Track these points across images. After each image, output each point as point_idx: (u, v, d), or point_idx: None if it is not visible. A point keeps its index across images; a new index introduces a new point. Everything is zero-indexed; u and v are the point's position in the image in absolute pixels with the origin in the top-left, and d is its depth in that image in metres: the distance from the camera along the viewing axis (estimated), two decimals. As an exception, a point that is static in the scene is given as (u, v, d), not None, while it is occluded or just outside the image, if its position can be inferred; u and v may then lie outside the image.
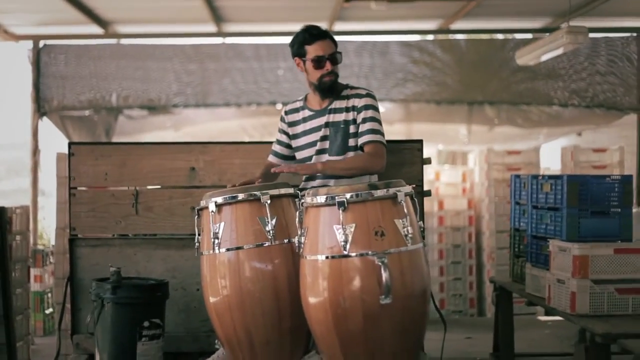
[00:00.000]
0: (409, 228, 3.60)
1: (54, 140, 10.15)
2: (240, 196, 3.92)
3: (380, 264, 3.49)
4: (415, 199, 3.77)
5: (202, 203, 4.00)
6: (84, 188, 4.90)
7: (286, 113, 4.68)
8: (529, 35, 9.98)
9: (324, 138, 4.46)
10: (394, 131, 10.54)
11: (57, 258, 7.35)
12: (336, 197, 3.54)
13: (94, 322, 4.23)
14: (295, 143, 4.57)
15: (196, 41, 10.14)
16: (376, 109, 4.45)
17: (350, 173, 4.28)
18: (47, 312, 8.60)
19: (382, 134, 4.43)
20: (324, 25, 8.36)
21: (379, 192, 3.60)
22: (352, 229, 3.54)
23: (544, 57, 8.77)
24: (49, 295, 8.66)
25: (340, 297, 3.53)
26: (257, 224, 3.89)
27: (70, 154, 4.88)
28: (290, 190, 4.06)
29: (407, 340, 3.62)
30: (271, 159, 4.64)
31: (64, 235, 7.28)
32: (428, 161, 5.10)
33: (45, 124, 9.88)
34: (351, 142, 4.42)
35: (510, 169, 10.10)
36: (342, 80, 4.66)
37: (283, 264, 3.88)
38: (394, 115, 10.43)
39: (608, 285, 5.19)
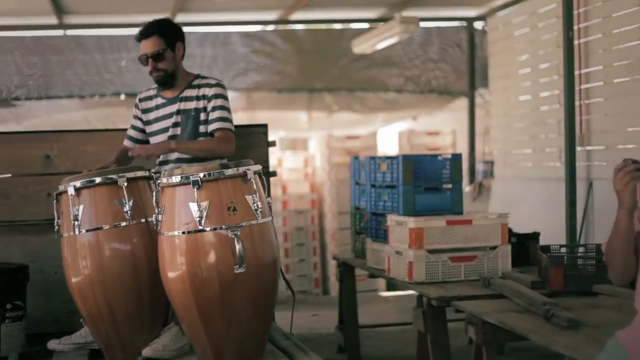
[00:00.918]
0: (259, 203, 3.93)
1: None
2: (98, 179, 4.17)
3: (233, 236, 3.81)
4: (263, 177, 4.11)
5: (61, 187, 4.22)
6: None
7: (140, 100, 4.92)
8: (366, 25, 10.42)
9: (175, 125, 4.72)
10: (237, 119, 10.52)
11: None
12: (190, 177, 3.84)
13: (-44, 308, 4.38)
14: (148, 129, 4.82)
15: (37, 33, 10.07)
16: (225, 97, 4.75)
17: (202, 154, 4.56)
18: None
19: (231, 121, 4.74)
20: (167, 16, 8.57)
21: (230, 171, 3.91)
22: (207, 206, 3.84)
23: (379, 46, 9.26)
24: None
25: (198, 268, 3.83)
26: (115, 206, 4.15)
27: None
28: (145, 173, 4.33)
29: (260, 307, 3.95)
30: (126, 143, 4.88)
31: None
32: (273, 144, 5.46)
33: None
34: (202, 128, 4.70)
35: (350, 153, 10.39)
36: (187, 68, 4.94)
37: (141, 242, 4.17)
38: (237, 103, 10.64)
39: (442, 254, 5.60)
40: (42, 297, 4.88)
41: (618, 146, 7.05)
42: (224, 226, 3.84)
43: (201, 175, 3.85)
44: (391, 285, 10.80)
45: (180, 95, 4.74)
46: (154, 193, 4.06)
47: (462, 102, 10.60)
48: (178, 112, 4.72)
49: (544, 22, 8.24)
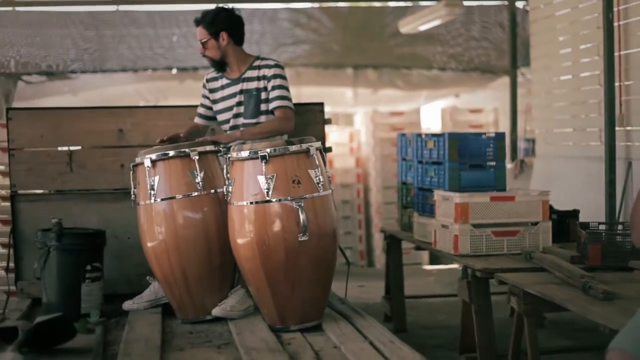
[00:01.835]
0: (320, 177, 4.32)
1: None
2: (172, 153, 4.55)
3: (297, 207, 4.19)
4: (324, 153, 4.50)
5: (138, 159, 4.60)
6: (22, 149, 5.45)
7: (207, 80, 5.31)
8: (409, 3, 10.72)
9: (239, 103, 5.11)
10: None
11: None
12: (259, 152, 4.22)
13: (41, 268, 4.78)
14: (215, 107, 5.22)
15: (92, 9, 10.45)
16: (284, 77, 5.14)
17: (266, 136, 4.95)
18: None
19: (290, 100, 5.13)
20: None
21: (295, 147, 4.29)
22: (273, 178, 4.22)
23: (424, 27, 9.58)
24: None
25: (265, 236, 4.21)
26: (188, 177, 4.53)
27: (8, 119, 5.41)
28: (215, 148, 4.73)
29: (321, 272, 4.34)
30: (197, 120, 5.28)
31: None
32: (329, 121, 5.82)
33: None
34: (262, 107, 5.08)
35: (394, 129, 10.81)
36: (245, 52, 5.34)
37: (211, 211, 4.54)
38: (284, 79, 11.06)
39: (486, 228, 5.94)
40: (115, 261, 5.27)
41: (657, 127, 7.33)
42: (289, 197, 4.21)
43: (268, 150, 4.23)
44: (434, 259, 11.16)
45: (243, 76, 5.13)
46: (224, 166, 4.45)
47: (504, 81, 10.83)
48: (241, 91, 5.11)
49: (584, 3, 8.45)
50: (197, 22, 5.20)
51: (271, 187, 4.21)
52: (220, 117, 5.19)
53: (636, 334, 3.74)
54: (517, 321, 5.28)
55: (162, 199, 4.52)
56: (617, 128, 7.34)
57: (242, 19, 5.31)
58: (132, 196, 4.68)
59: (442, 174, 6.45)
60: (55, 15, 10.29)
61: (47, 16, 10.27)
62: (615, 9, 7.38)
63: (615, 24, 7.40)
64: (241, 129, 5.04)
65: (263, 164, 4.21)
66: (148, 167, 4.52)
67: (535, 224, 6.00)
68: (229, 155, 4.38)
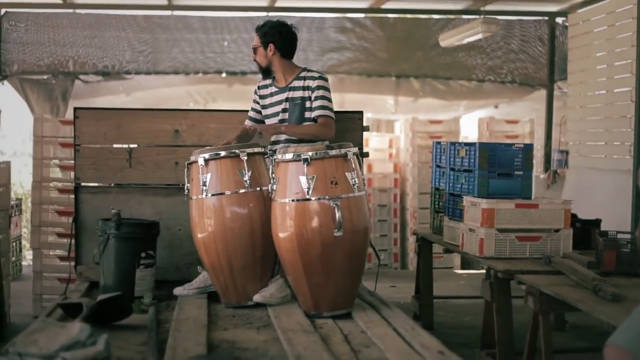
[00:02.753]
0: (356, 179, 4.78)
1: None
2: (223, 153, 5.04)
3: (334, 206, 4.65)
4: (360, 158, 4.97)
5: (192, 158, 5.10)
6: (86, 145, 6.00)
7: (259, 87, 5.82)
8: (452, 16, 11.13)
9: (284, 110, 5.61)
10: (328, 101, 11.61)
11: (33, 208, 8.36)
12: (302, 155, 4.70)
13: (100, 254, 5.30)
14: (264, 112, 5.73)
15: (148, 13, 10.90)
16: (326, 89, 5.61)
17: (307, 137, 5.44)
18: (19, 255, 9.64)
19: (331, 110, 5.60)
20: (266, 2, 9.43)
21: (334, 152, 4.76)
22: (314, 179, 4.70)
23: (463, 42, 10.01)
24: (19, 241, 9.69)
25: (304, 230, 4.69)
26: (236, 175, 5.01)
27: (75, 117, 5.96)
28: (261, 149, 5.22)
29: (353, 265, 4.80)
30: (247, 123, 5.78)
31: (40, 188, 8.31)
32: (367, 128, 6.29)
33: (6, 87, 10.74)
34: (306, 114, 5.56)
35: (432, 136, 11.12)
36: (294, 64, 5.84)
37: (256, 207, 5.01)
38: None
39: (510, 233, 6.36)
40: (166, 250, 5.78)
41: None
42: (327, 197, 4.67)
43: (310, 154, 4.70)
44: (465, 264, 11.54)
45: (289, 85, 5.63)
46: (269, 167, 4.94)
47: (541, 93, 11.22)
48: (287, 99, 5.61)
49: (620, 22, 8.84)
50: (256, 29, 5.71)
51: (311, 186, 4.67)
52: (267, 122, 5.70)
53: (632, 330, 4.18)
54: (533, 320, 5.70)
55: (213, 195, 5.00)
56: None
57: (295, 35, 5.75)
58: (186, 191, 5.17)
59: (472, 181, 6.85)
60: (113, 18, 10.76)
61: (105, 19, 10.74)
62: (649, 28, 7.80)
63: (648, 42, 7.82)
64: (285, 124, 5.54)
65: (305, 165, 4.68)
66: (201, 165, 5.01)
67: (557, 230, 6.39)
68: (275, 157, 4.87)
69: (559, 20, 10.92)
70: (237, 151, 5.03)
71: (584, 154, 9.67)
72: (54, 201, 8.45)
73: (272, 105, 5.67)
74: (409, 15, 11.41)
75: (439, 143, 7.85)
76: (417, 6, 11.01)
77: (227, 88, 11.37)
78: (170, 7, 11.02)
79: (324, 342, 4.06)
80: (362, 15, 11.26)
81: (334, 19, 11.22)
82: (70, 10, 10.92)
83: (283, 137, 5.56)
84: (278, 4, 10.87)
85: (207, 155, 5.02)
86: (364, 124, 6.27)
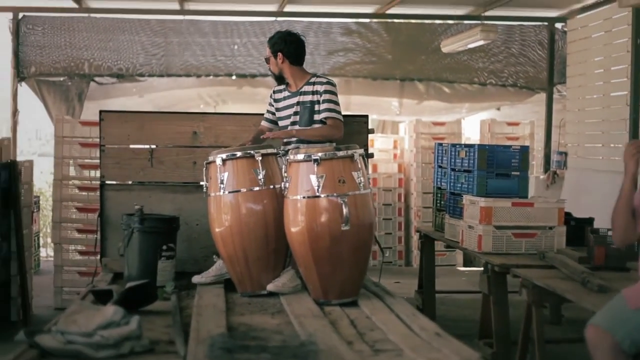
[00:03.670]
0: (362, 178, 5.22)
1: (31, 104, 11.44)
2: (239, 154, 5.49)
3: (342, 202, 5.10)
4: (366, 159, 5.42)
5: (211, 158, 5.54)
6: (111, 145, 6.47)
7: (274, 92, 6.30)
8: (452, 21, 11.57)
9: (296, 113, 6.08)
10: (334, 103, 12.02)
11: (54, 205, 8.84)
12: (312, 155, 5.14)
13: (124, 247, 5.75)
14: (278, 114, 6.20)
15: (161, 17, 11.37)
16: (334, 93, 6.07)
17: (316, 139, 5.89)
18: (38, 251, 10.13)
19: (339, 112, 6.05)
20: (275, 7, 9.85)
21: (342, 153, 5.20)
22: (323, 178, 5.14)
23: (463, 48, 10.47)
24: (38, 237, 10.19)
25: (314, 225, 5.12)
26: (251, 174, 5.43)
27: (100, 119, 6.42)
28: (275, 150, 5.66)
29: (359, 257, 5.24)
30: (263, 124, 6.26)
31: (60, 186, 8.78)
32: (372, 131, 6.74)
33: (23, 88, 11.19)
34: (316, 117, 6.02)
35: (435, 138, 11.47)
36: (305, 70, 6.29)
37: (270, 203, 5.44)
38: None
39: (507, 230, 6.80)
40: (185, 243, 6.22)
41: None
42: (335, 194, 5.10)
43: (320, 154, 5.15)
44: (468, 262, 11.96)
45: (300, 90, 6.10)
46: (282, 166, 5.39)
47: (541, 96, 11.66)
48: (298, 103, 6.08)
49: (617, 27, 9.27)
50: (267, 41, 6.23)
51: (321, 185, 5.11)
52: (280, 123, 6.18)
53: (610, 313, 4.65)
54: (527, 311, 6.16)
55: (230, 192, 5.44)
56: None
57: (302, 42, 6.23)
58: (204, 189, 5.62)
59: (471, 180, 7.26)
60: (127, 22, 11.18)
61: (119, 23, 11.17)
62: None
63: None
64: (297, 128, 6.01)
65: (315, 165, 5.12)
66: (219, 164, 5.45)
67: (552, 228, 6.83)
68: (287, 157, 5.33)
69: (559, 25, 11.37)
70: (252, 152, 5.47)
71: (582, 156, 10.06)
72: (74, 198, 8.92)
73: (285, 108, 6.15)
74: (412, 20, 11.83)
75: (440, 144, 8.27)
76: (420, 11, 11.45)
77: (236, 90, 11.77)
78: (182, 12, 11.44)
79: (332, 325, 4.50)
80: (367, 20, 11.68)
81: (340, 24, 11.62)
82: (86, 15, 11.34)
83: (295, 139, 6.02)
84: (286, 9, 11.31)
85: (224, 156, 5.46)
86: (369, 127, 6.71)
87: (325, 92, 6.04)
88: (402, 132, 13.10)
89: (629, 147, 4.87)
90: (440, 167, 8.21)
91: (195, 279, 5.80)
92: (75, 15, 11.25)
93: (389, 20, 11.74)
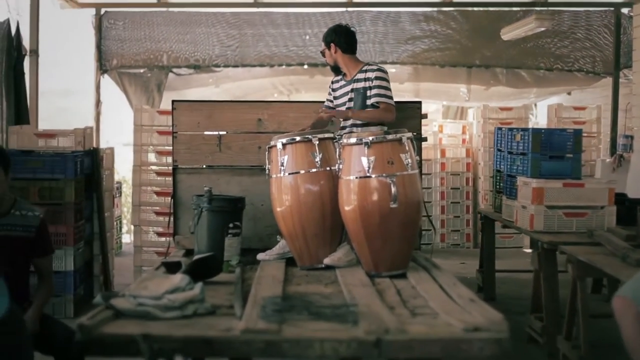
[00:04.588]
0: (409, 160, 5.64)
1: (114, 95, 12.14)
2: (298, 138, 5.96)
3: (390, 182, 5.55)
4: (414, 142, 5.85)
5: (272, 142, 6.01)
6: (182, 132, 7.04)
7: (332, 82, 6.82)
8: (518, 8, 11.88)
9: (350, 99, 6.57)
10: (403, 89, 12.47)
11: (134, 189, 9.49)
12: (363, 139, 5.61)
13: (195, 225, 6.27)
14: (335, 102, 6.70)
15: (236, 10, 11.96)
16: (385, 79, 6.52)
17: (370, 120, 6.37)
18: (120, 234, 10.83)
19: (391, 97, 6.51)
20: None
21: (390, 136, 5.63)
22: (373, 160, 5.59)
23: (521, 35, 10.80)
24: (122, 219, 10.90)
25: (365, 203, 5.55)
26: (309, 157, 5.87)
27: (173, 108, 6.99)
28: (331, 135, 6.14)
29: (407, 232, 5.66)
30: (322, 113, 6.78)
31: (139, 172, 9.43)
32: (425, 116, 7.18)
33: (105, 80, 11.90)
34: (368, 102, 6.49)
35: (503, 123, 11.85)
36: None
37: (326, 184, 5.86)
38: (403, 76, 12.31)
39: (558, 210, 7.24)
40: (251, 222, 6.72)
41: None
42: (384, 174, 5.52)
43: (371, 138, 5.58)
44: (535, 243, 12.29)
45: (354, 78, 6.58)
46: (336, 150, 5.87)
47: (608, 81, 11.92)
48: (352, 90, 6.57)
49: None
50: (322, 37, 6.72)
51: (371, 166, 5.54)
52: (338, 108, 6.69)
53: (637, 284, 5.03)
54: (572, 285, 6.56)
55: (289, 174, 5.89)
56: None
57: (352, 32, 6.71)
58: (267, 171, 6.10)
59: (526, 163, 7.67)
60: (204, 15, 11.81)
61: (195, 16, 11.80)
62: None
63: None
64: (352, 109, 6.51)
65: (366, 148, 5.56)
66: (280, 148, 5.92)
67: (602, 207, 7.20)
68: (341, 141, 5.80)
69: (625, 10, 11.60)
70: (310, 136, 5.93)
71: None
72: (152, 183, 9.57)
73: (341, 96, 6.66)
74: (477, 9, 12.18)
75: (500, 129, 8.67)
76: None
77: (309, 79, 12.30)
78: (256, 4, 12.01)
79: (378, 293, 4.97)
80: (435, 9, 12.06)
81: (408, 13, 12.05)
82: (164, 9, 11.98)
83: (350, 122, 6.51)
84: (356, 0, 11.79)
85: (284, 140, 5.93)
86: (424, 112, 7.15)
87: (377, 78, 6.50)
88: (470, 117, 13.46)
89: None
90: (499, 150, 8.60)
91: (260, 256, 6.29)
92: (154, 10, 11.89)
93: (456, 9, 12.09)
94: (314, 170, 5.89)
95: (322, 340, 3.91)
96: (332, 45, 6.64)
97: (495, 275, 9.19)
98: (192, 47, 11.77)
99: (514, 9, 11.74)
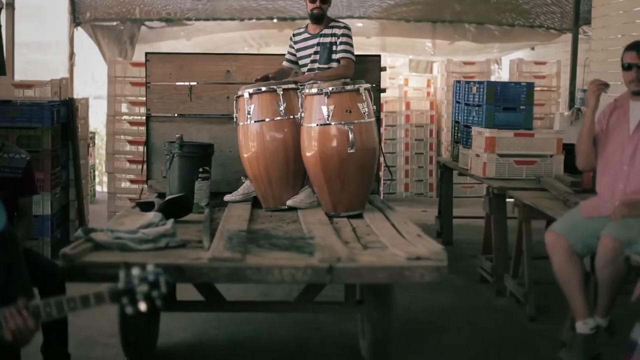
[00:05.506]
0: (366, 109, 6.12)
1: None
2: (264, 89, 6.45)
3: (348, 129, 6.05)
4: (371, 92, 6.33)
5: (240, 92, 6.49)
6: (155, 83, 7.50)
7: (294, 35, 7.27)
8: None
9: (316, 52, 7.06)
10: (370, 43, 12.93)
11: (107, 138, 9.97)
12: (323, 89, 6.10)
13: (167, 169, 6.75)
14: (298, 54, 7.17)
15: (205, -36, 12.32)
16: (349, 36, 7.00)
17: (332, 78, 6.87)
18: (94, 182, 11.32)
19: (352, 53, 6.99)
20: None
21: (349, 87, 6.13)
22: (332, 108, 6.08)
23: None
24: (95, 168, 11.38)
25: (325, 148, 6.03)
26: (274, 106, 6.34)
27: (146, 60, 7.46)
28: (294, 85, 6.62)
29: (363, 176, 6.13)
30: (284, 64, 7.21)
31: (113, 121, 9.90)
32: (384, 69, 7.69)
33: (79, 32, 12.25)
34: (333, 56, 7.00)
35: (465, 77, 12.31)
36: None
37: (290, 131, 6.32)
38: (370, 30, 12.77)
39: (509, 158, 7.77)
40: (220, 168, 7.14)
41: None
42: (342, 122, 5.99)
43: (330, 88, 6.04)
44: (471, 175, 12.88)
45: (320, 33, 7.06)
46: (299, 99, 6.36)
47: (569, 37, 12.44)
48: (318, 44, 7.05)
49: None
50: None
51: (331, 114, 6.04)
52: (301, 62, 7.17)
53: (566, 221, 5.62)
54: (518, 228, 7.13)
55: (255, 121, 6.36)
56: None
57: None
58: (234, 119, 6.59)
59: (481, 114, 8.22)
60: (174, -31, 12.20)
61: (167, -31, 12.19)
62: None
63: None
64: (315, 72, 6.99)
65: (326, 98, 6.06)
66: (246, 98, 6.39)
67: (551, 156, 7.76)
68: (303, 92, 6.31)
69: (584, -32, 12.07)
70: (274, 87, 6.44)
71: (604, 93, 10.82)
72: (125, 132, 10.04)
73: (305, 48, 7.12)
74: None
75: (458, 82, 9.20)
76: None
77: (278, 33, 12.67)
78: (226, -42, 12.35)
79: (335, 230, 5.51)
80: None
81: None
82: (136, -38, 12.32)
83: (313, 75, 7.01)
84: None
85: (251, 90, 6.41)
86: (384, 65, 7.67)
87: (342, 35, 7.00)
88: (435, 71, 13.96)
89: (591, 85, 5.79)
90: (457, 102, 9.13)
91: (227, 197, 6.79)
92: (125, -38, 12.20)
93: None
94: (278, 118, 6.38)
95: (281, 267, 4.46)
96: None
97: (454, 222, 9.77)
98: (164, 0, 12.11)
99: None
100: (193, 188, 6.55)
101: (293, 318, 6.71)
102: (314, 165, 6.14)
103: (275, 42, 13.00)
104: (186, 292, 5.78)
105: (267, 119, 6.38)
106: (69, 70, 12.01)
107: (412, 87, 13.39)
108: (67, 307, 3.21)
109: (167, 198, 6.07)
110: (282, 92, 6.41)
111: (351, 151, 6.02)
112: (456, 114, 9.20)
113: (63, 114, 8.82)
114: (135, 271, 3.20)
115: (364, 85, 6.18)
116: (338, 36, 6.99)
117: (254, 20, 12.44)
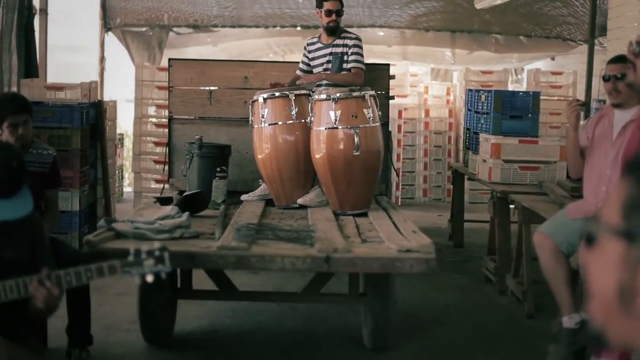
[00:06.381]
0: (372, 114, 6.59)
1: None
2: (277, 94, 6.95)
3: (354, 133, 6.54)
4: (377, 98, 6.81)
5: (255, 97, 6.99)
6: (178, 87, 8.04)
7: (307, 44, 7.79)
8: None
9: (328, 62, 7.57)
10: (392, 52, 13.42)
11: (134, 139, 10.53)
12: (331, 95, 6.59)
13: (187, 168, 7.27)
14: (312, 63, 7.68)
15: (233, -28, 12.85)
16: (360, 47, 7.50)
17: (341, 83, 7.36)
18: (121, 182, 11.87)
19: (363, 62, 7.49)
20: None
21: (355, 93, 6.64)
22: (339, 113, 6.57)
23: (497, 2, 11.72)
24: (123, 168, 11.93)
25: (332, 150, 6.52)
26: (286, 110, 6.84)
27: (169, 66, 8.01)
28: (306, 92, 7.11)
29: (368, 177, 6.62)
30: (298, 72, 7.71)
31: (140, 123, 10.46)
32: (392, 77, 8.18)
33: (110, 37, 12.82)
34: (344, 65, 7.50)
35: (483, 85, 12.71)
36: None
37: (301, 134, 6.82)
38: (391, 39, 13.26)
39: (514, 163, 8.24)
40: (237, 168, 7.62)
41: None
42: (349, 126, 6.48)
43: (338, 94, 6.54)
44: (478, 179, 13.30)
45: (333, 43, 7.58)
46: (309, 104, 6.85)
47: (584, 48, 12.85)
48: (330, 53, 7.57)
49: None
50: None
51: (338, 119, 6.52)
52: (315, 70, 7.68)
53: (554, 222, 6.07)
54: (519, 230, 7.58)
55: (269, 124, 6.83)
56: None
57: None
58: (250, 122, 7.11)
59: (488, 121, 8.69)
60: (202, -23, 12.74)
61: (195, -22, 12.72)
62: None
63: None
64: (327, 72, 7.48)
65: (333, 103, 6.55)
66: (261, 102, 6.89)
67: (555, 162, 8.20)
68: (313, 97, 6.80)
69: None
70: (287, 92, 6.94)
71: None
72: (151, 134, 10.60)
73: (318, 57, 7.64)
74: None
75: (470, 90, 9.65)
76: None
77: (301, 40, 13.08)
78: (253, -33, 12.88)
79: (339, 226, 6.01)
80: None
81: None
82: (166, -30, 12.87)
83: (324, 82, 7.51)
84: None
85: (265, 95, 6.90)
86: (391, 74, 8.16)
87: (354, 45, 7.50)
88: (455, 80, 14.40)
89: (569, 105, 6.25)
90: (469, 110, 9.59)
91: (243, 197, 7.27)
92: (156, -29, 12.77)
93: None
94: (290, 122, 6.85)
95: (283, 257, 4.98)
96: (342, 9, 7.62)
97: (467, 226, 10.22)
98: (191, 7, 12.61)
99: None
100: (211, 186, 7.06)
101: (302, 311, 7.22)
102: (322, 166, 6.62)
103: (298, 49, 13.28)
104: (203, 283, 6.33)
105: (280, 122, 6.85)
106: (99, 74, 12.55)
107: (432, 94, 13.84)
108: (85, 276, 3.74)
109: (184, 194, 6.58)
110: (294, 97, 6.89)
111: (356, 154, 6.50)
112: (467, 121, 9.65)
113: (92, 116, 9.35)
114: (144, 247, 3.73)
115: (369, 92, 6.66)
116: (349, 46, 7.49)
117: (278, 28, 12.93)
